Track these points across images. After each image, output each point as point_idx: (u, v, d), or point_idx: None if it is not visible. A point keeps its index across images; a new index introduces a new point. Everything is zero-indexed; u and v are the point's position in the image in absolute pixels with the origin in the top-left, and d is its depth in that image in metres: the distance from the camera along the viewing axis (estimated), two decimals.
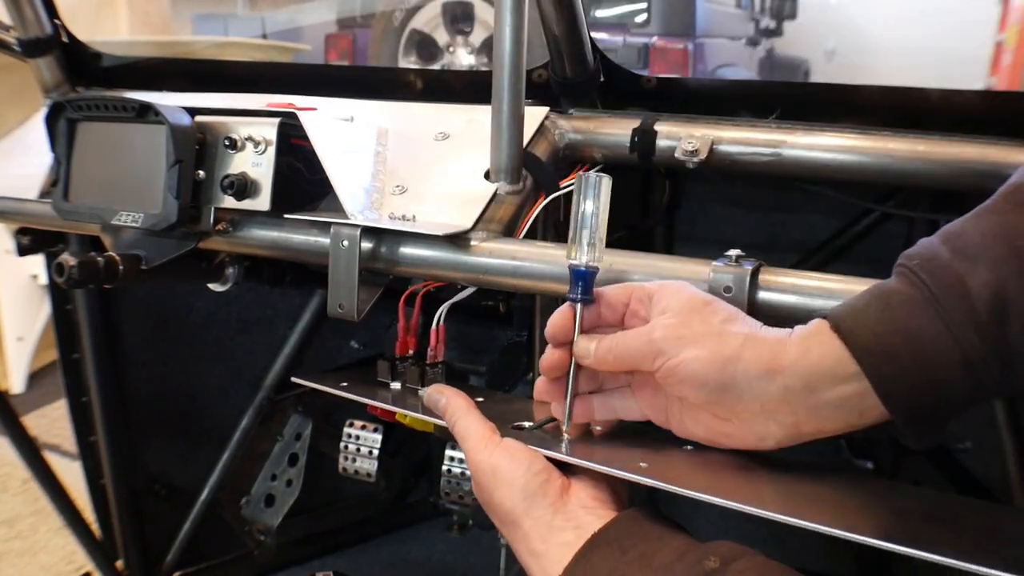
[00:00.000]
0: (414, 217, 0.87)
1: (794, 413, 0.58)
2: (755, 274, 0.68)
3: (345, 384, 0.85)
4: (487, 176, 0.89)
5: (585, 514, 0.59)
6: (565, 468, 0.63)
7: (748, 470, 0.62)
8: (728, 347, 0.57)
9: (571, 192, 0.98)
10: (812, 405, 0.57)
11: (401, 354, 0.93)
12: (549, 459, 0.62)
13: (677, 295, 0.62)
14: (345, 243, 0.84)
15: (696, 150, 0.92)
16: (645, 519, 0.59)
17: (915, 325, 0.53)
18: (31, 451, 1.45)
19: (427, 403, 0.71)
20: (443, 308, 0.90)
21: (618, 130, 0.98)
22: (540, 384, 0.69)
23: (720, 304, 0.62)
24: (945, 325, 0.52)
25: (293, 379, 0.89)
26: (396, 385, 0.88)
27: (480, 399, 0.79)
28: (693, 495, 0.56)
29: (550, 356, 0.67)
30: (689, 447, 0.64)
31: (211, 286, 1.10)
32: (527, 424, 0.71)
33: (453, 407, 0.68)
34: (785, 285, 0.68)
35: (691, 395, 0.60)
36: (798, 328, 0.58)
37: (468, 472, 1.53)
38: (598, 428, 0.69)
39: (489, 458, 0.62)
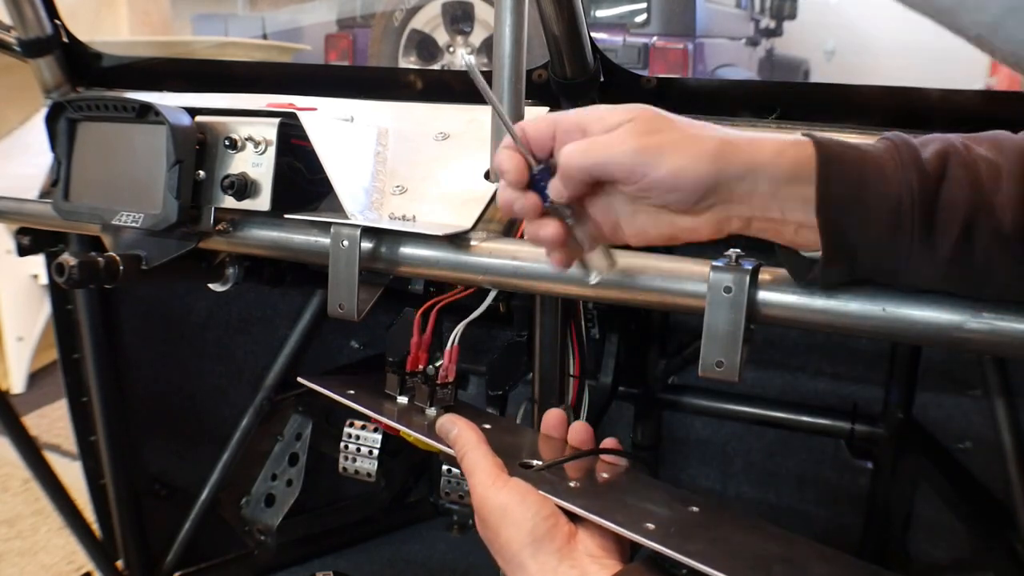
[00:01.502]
0: (414, 217, 0.87)
1: (753, 208, 0.58)
2: (755, 274, 0.68)
3: (352, 392, 0.84)
4: (487, 176, 0.89)
5: (591, 563, 0.60)
6: (572, 514, 0.63)
7: (755, 535, 0.63)
8: (707, 151, 0.57)
9: None
10: (771, 202, 0.58)
11: (412, 369, 0.91)
12: (557, 506, 0.63)
13: (610, 108, 0.59)
14: (345, 243, 0.84)
15: None
16: (647, 573, 0.60)
17: (871, 150, 0.57)
18: (31, 451, 1.45)
19: (438, 431, 0.71)
20: (458, 329, 0.89)
21: None
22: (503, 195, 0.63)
23: (664, 112, 0.60)
24: (896, 158, 0.57)
25: (300, 379, 0.88)
26: (403, 399, 0.87)
27: (487, 426, 0.79)
28: (697, 567, 0.57)
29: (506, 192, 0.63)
30: (695, 508, 0.66)
31: (211, 286, 1.10)
32: (535, 463, 0.71)
33: (464, 440, 0.68)
34: (785, 285, 0.68)
35: (674, 201, 0.58)
36: (774, 135, 0.59)
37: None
38: (604, 474, 0.70)
39: (497, 496, 0.63)
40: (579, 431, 0.78)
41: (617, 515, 0.62)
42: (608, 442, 0.76)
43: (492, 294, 0.91)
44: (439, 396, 0.85)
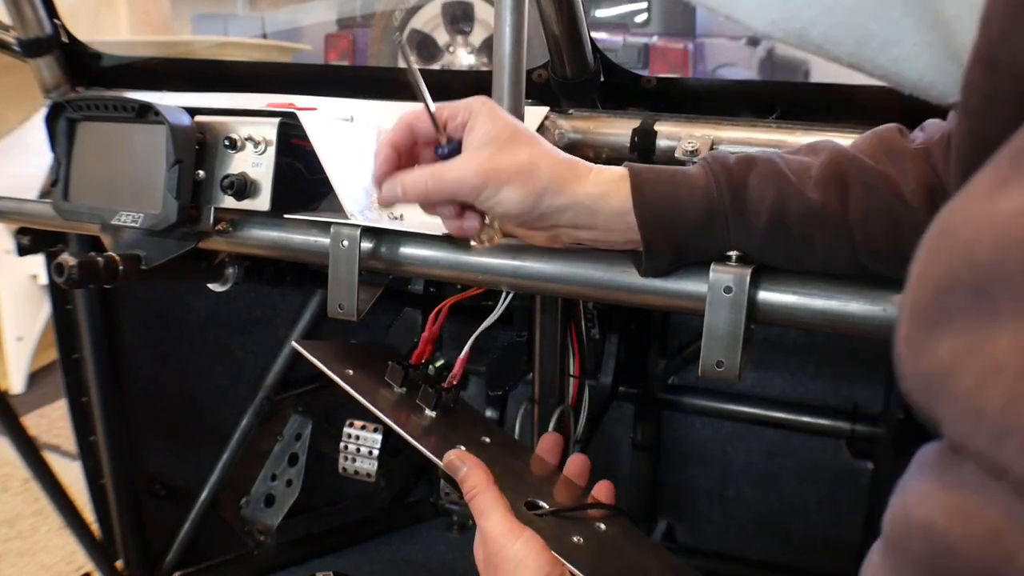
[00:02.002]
0: (414, 217, 0.87)
1: (579, 230, 0.70)
2: (755, 274, 0.68)
3: (350, 373, 0.81)
4: None
5: None
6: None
7: None
8: (538, 184, 0.66)
9: None
10: (595, 228, 0.69)
11: (416, 362, 0.89)
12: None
13: (489, 122, 0.68)
14: (345, 243, 0.84)
15: (696, 150, 0.92)
16: None
17: (683, 169, 0.68)
18: (31, 451, 1.45)
19: (446, 467, 0.72)
20: (473, 336, 0.88)
21: (618, 130, 0.98)
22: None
23: (524, 134, 0.68)
24: (703, 166, 0.67)
25: (294, 344, 0.85)
26: (402, 390, 0.85)
27: (487, 439, 0.79)
28: None
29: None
30: None
31: (211, 286, 1.10)
32: (543, 505, 0.72)
33: (473, 480, 0.69)
34: (785, 285, 0.68)
35: (508, 220, 0.72)
36: (601, 168, 0.69)
37: None
38: (602, 526, 0.73)
39: (512, 547, 0.63)
40: (577, 464, 0.81)
41: None
42: (602, 487, 0.78)
43: (508, 296, 0.90)
44: (445, 400, 0.84)
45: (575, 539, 0.67)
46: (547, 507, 0.72)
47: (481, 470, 0.69)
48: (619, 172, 0.68)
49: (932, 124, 0.68)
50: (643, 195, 0.66)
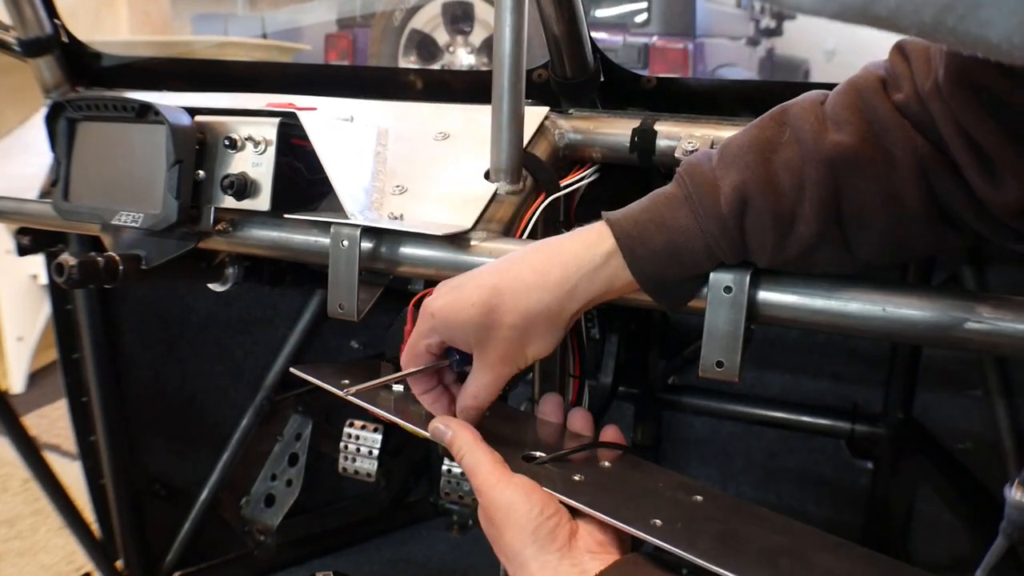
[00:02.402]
0: (414, 217, 0.87)
1: (565, 318, 0.68)
2: (755, 274, 0.68)
3: (347, 382, 0.83)
4: (487, 176, 0.89)
5: (590, 559, 0.60)
6: (574, 509, 0.63)
7: (760, 526, 0.63)
8: (557, 325, 0.68)
9: (571, 192, 0.98)
10: (577, 302, 0.67)
11: None
12: (562, 502, 0.63)
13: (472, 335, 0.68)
14: (345, 243, 0.84)
15: (696, 150, 0.92)
16: (646, 564, 0.60)
17: (670, 217, 0.65)
18: (31, 451, 1.45)
19: (432, 435, 0.71)
20: None
21: (618, 130, 0.98)
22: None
23: (494, 302, 0.67)
24: (695, 219, 0.64)
25: (292, 370, 0.86)
26: (399, 388, 0.85)
27: (487, 413, 0.78)
28: (707, 566, 0.57)
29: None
30: (699, 498, 0.66)
31: (211, 286, 1.10)
32: (538, 454, 0.70)
33: (460, 441, 0.68)
34: (785, 285, 0.68)
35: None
36: (584, 248, 0.67)
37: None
38: (607, 464, 0.72)
39: (502, 495, 0.63)
40: (579, 417, 0.79)
41: (623, 511, 0.61)
42: (608, 431, 0.76)
43: None
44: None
45: (575, 477, 0.67)
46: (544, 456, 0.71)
47: (466, 430, 0.69)
48: (604, 246, 0.66)
49: (915, 53, 0.61)
50: (642, 271, 0.66)
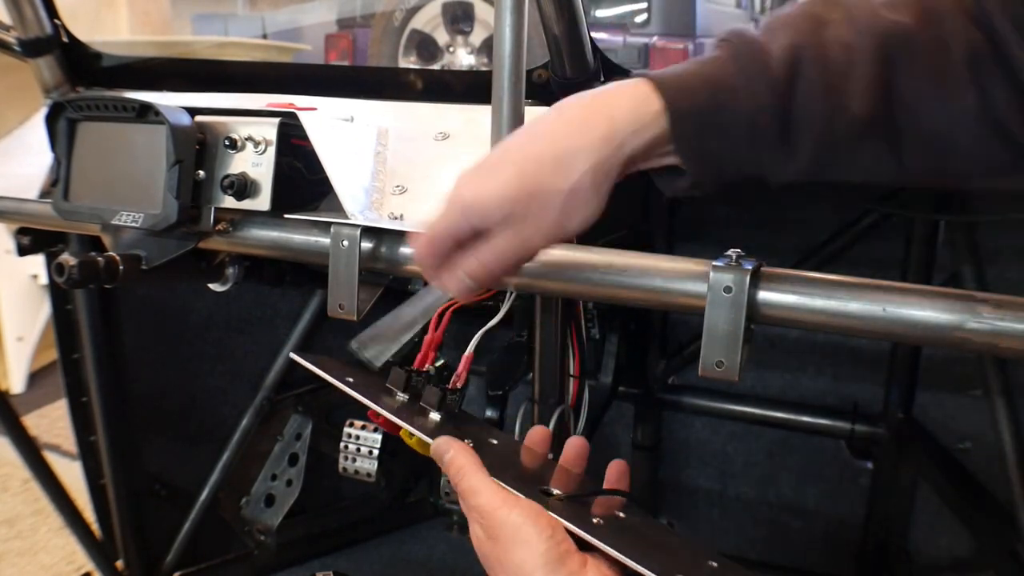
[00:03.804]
0: (414, 217, 0.87)
1: (611, 178, 0.62)
2: (755, 274, 0.68)
3: (351, 380, 0.80)
4: None
5: None
6: (580, 544, 0.62)
7: None
8: (589, 194, 0.61)
9: None
10: (621, 159, 0.61)
11: (419, 367, 0.87)
12: (573, 535, 0.61)
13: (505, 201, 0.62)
14: (345, 243, 0.84)
15: None
16: None
17: (716, 73, 0.59)
18: (31, 451, 1.45)
19: (433, 452, 0.69)
20: (476, 336, 0.86)
21: None
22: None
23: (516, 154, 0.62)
24: (743, 76, 0.59)
25: (292, 355, 0.83)
26: (403, 396, 0.83)
27: (494, 441, 0.77)
28: None
29: None
30: (714, 564, 0.64)
31: (211, 286, 1.10)
32: (555, 491, 0.68)
33: (460, 462, 0.66)
34: (785, 285, 0.68)
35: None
36: (621, 96, 0.61)
37: None
38: (620, 513, 0.69)
39: (510, 514, 0.61)
40: (575, 447, 0.77)
41: (644, 561, 0.60)
42: (616, 468, 0.74)
43: (511, 296, 0.89)
44: (449, 401, 0.81)
45: (594, 520, 0.65)
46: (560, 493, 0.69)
47: (468, 452, 0.67)
48: (652, 104, 0.60)
49: None
50: (683, 133, 0.60)
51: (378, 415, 0.79)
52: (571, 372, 1.12)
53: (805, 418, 1.53)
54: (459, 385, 0.84)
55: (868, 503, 1.59)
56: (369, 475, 1.59)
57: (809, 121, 0.58)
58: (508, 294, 0.88)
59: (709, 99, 0.59)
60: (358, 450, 1.59)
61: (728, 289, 0.68)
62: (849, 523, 1.62)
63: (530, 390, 1.11)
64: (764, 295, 0.68)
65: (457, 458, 0.66)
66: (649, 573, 0.58)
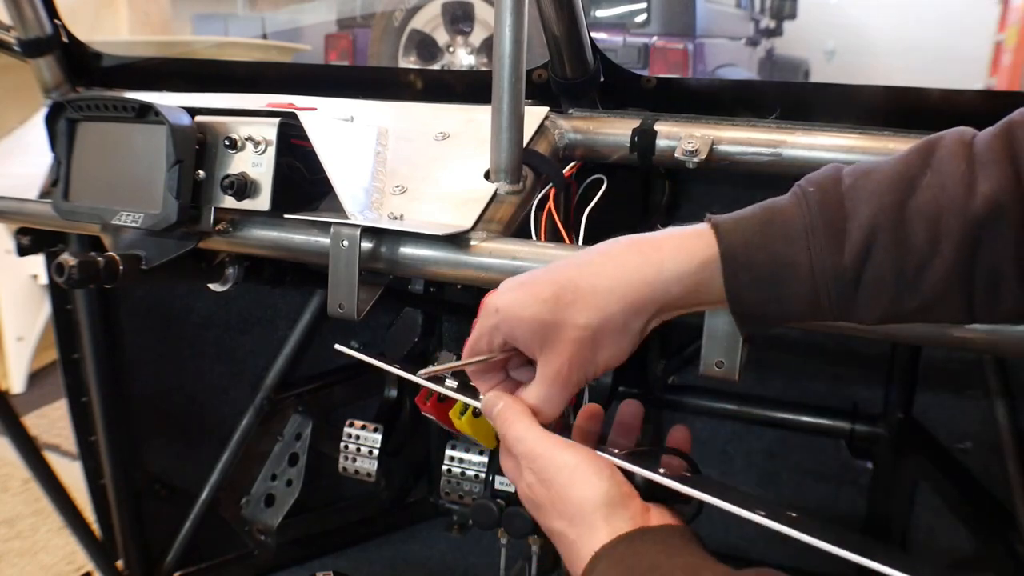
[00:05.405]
0: (414, 217, 0.87)
1: (643, 319, 0.61)
2: None
3: (399, 366, 0.77)
4: (487, 176, 0.89)
5: None
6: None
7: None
8: (635, 327, 0.61)
9: (571, 189, 0.98)
10: (659, 304, 0.60)
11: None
12: (648, 480, 0.59)
13: (523, 326, 0.61)
14: (345, 243, 0.84)
15: (696, 150, 0.92)
16: (700, 543, 0.57)
17: (783, 249, 0.57)
18: (31, 451, 1.45)
19: (484, 409, 0.66)
20: None
21: (618, 130, 0.98)
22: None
23: (561, 296, 0.60)
24: (809, 257, 0.56)
25: (337, 347, 0.79)
26: (452, 383, 0.78)
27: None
28: (846, 554, 0.52)
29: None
30: (793, 513, 0.59)
31: (211, 286, 1.10)
32: (616, 450, 0.65)
33: (506, 415, 0.63)
34: None
35: None
36: (679, 245, 0.61)
37: (468, 472, 1.53)
38: (686, 472, 0.67)
39: (563, 455, 0.59)
40: (632, 408, 0.75)
41: (724, 498, 0.56)
42: (679, 432, 0.71)
43: None
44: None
45: (660, 470, 0.61)
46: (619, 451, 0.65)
47: (518, 402, 0.64)
48: (704, 252, 0.59)
49: None
50: (739, 297, 0.59)
51: (426, 400, 0.76)
52: None
53: (805, 418, 1.53)
54: None
55: (868, 503, 1.58)
56: (369, 475, 1.59)
57: (873, 306, 0.57)
58: None
59: (770, 276, 0.57)
60: (358, 450, 1.59)
61: None
62: (849, 523, 1.62)
63: None
64: None
65: (506, 409, 0.63)
66: (730, 505, 0.54)
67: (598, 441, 0.72)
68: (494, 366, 0.66)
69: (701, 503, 0.59)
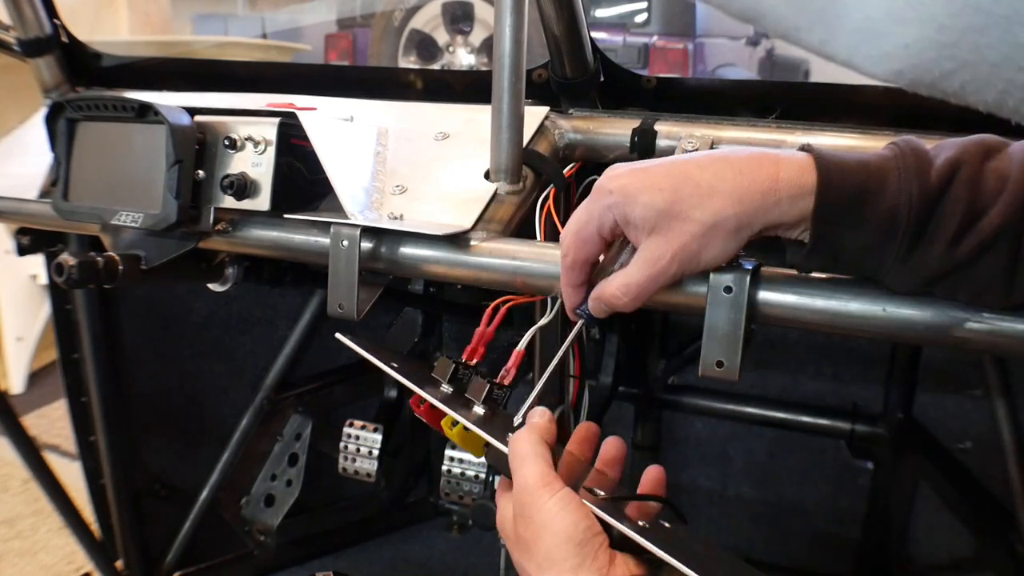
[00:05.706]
0: (414, 217, 0.87)
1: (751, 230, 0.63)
2: (755, 274, 0.68)
3: (395, 366, 0.78)
4: (487, 176, 0.89)
5: None
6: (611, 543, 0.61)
7: None
8: (730, 228, 0.62)
9: (571, 188, 0.98)
10: (767, 220, 0.62)
11: (467, 359, 0.84)
12: (622, 535, 0.60)
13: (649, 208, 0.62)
14: (345, 243, 0.84)
15: (696, 150, 0.92)
16: None
17: (874, 161, 0.60)
18: (31, 451, 1.45)
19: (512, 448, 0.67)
20: (531, 332, 0.83)
21: (618, 130, 0.98)
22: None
23: (684, 187, 0.62)
24: (898, 170, 0.59)
25: (338, 336, 0.81)
26: (447, 388, 0.80)
27: None
28: None
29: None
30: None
31: (211, 286, 1.10)
32: (600, 492, 0.66)
33: (532, 431, 0.66)
34: (785, 285, 0.68)
35: None
36: (785, 173, 0.61)
37: (468, 472, 1.54)
38: (666, 524, 0.68)
39: (551, 499, 0.60)
40: (614, 447, 0.75)
41: (688, 563, 0.58)
42: (652, 473, 0.73)
43: (557, 302, 0.87)
44: (496, 395, 0.79)
45: (639, 523, 0.63)
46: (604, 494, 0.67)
47: (538, 429, 0.66)
48: (809, 179, 0.60)
49: None
50: (827, 195, 0.60)
51: (419, 404, 0.77)
52: (571, 372, 1.12)
53: (805, 418, 1.53)
54: (507, 382, 0.81)
55: (868, 503, 1.58)
56: (369, 475, 1.59)
57: (943, 230, 0.59)
58: (551, 300, 0.85)
59: (859, 186, 0.59)
60: (358, 450, 1.59)
61: (728, 289, 0.68)
62: (849, 523, 1.62)
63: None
64: (764, 295, 0.68)
65: (531, 427, 0.67)
66: (690, 571, 0.57)
67: (587, 468, 0.73)
68: (583, 270, 0.69)
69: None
